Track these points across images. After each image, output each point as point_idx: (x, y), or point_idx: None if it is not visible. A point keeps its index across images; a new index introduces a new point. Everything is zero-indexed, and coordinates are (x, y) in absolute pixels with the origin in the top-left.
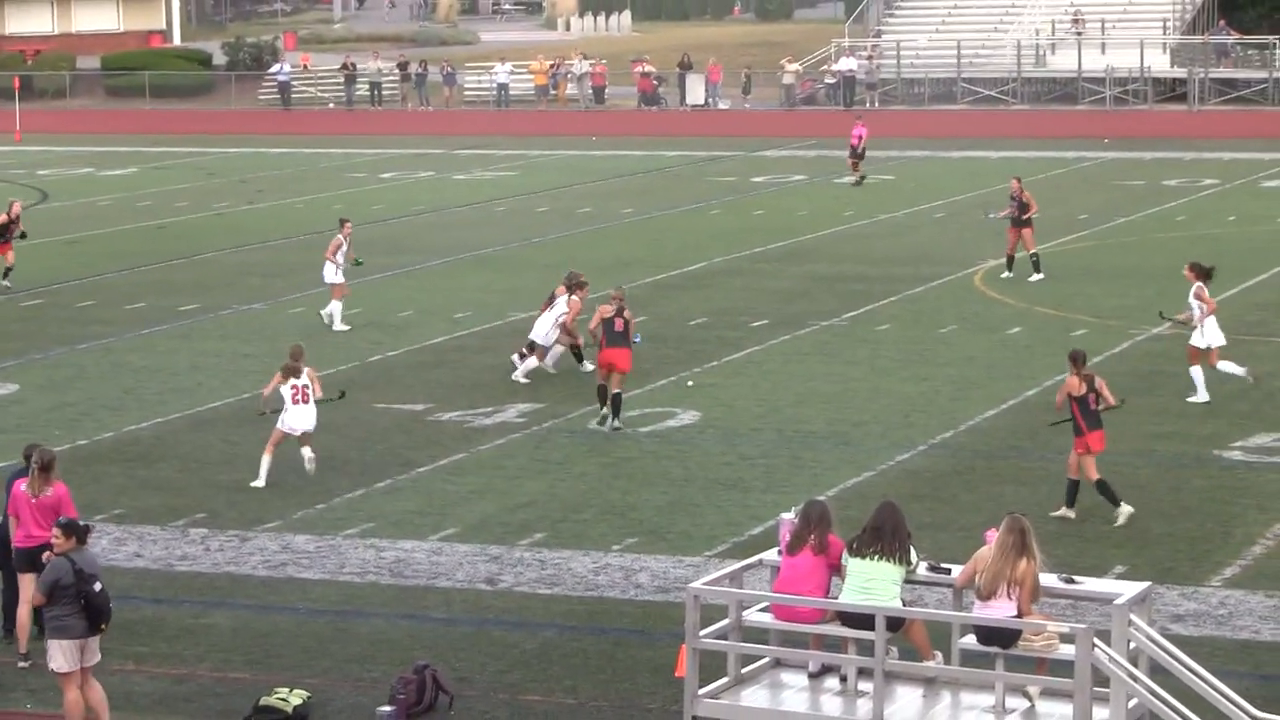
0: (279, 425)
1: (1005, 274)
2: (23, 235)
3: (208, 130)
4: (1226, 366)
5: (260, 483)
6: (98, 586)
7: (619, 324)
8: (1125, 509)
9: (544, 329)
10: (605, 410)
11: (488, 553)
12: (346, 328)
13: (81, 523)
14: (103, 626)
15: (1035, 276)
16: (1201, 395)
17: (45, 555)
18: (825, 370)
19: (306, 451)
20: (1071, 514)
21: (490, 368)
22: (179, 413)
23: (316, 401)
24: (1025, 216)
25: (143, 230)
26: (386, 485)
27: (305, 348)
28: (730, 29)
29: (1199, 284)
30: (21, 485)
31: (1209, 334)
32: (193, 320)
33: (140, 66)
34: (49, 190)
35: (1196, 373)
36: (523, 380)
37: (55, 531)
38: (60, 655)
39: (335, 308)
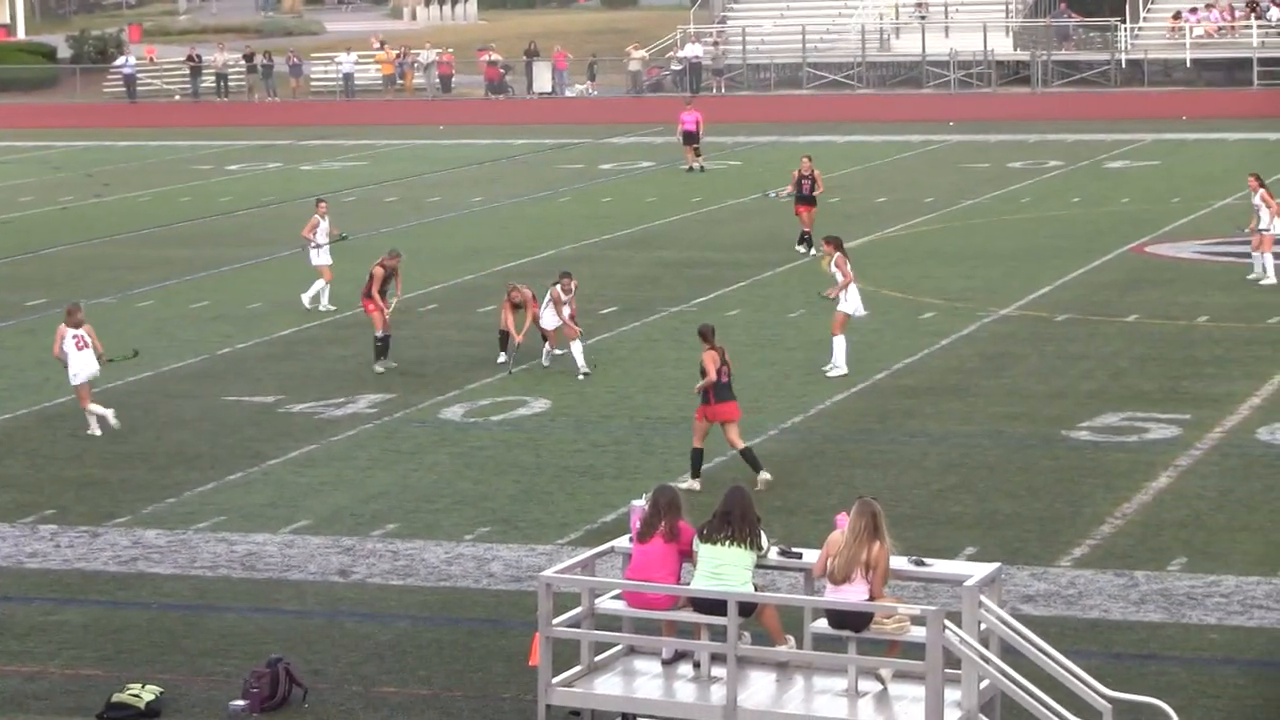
0: (72, 381)
1: (799, 249)
2: None
3: (52, 124)
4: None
5: (95, 430)
6: None
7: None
8: (765, 475)
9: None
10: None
11: (340, 544)
12: (332, 307)
13: None
14: None
15: (802, 249)
16: (840, 368)
17: None
18: (675, 356)
19: (96, 408)
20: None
21: (341, 358)
22: (26, 408)
23: (109, 360)
24: (813, 194)
25: None
26: (238, 478)
27: (81, 306)
28: (576, 16)
29: (838, 254)
30: None
31: (851, 303)
32: (39, 315)
33: None
34: None
35: (839, 343)
36: (585, 371)
37: None
38: None
39: (321, 288)
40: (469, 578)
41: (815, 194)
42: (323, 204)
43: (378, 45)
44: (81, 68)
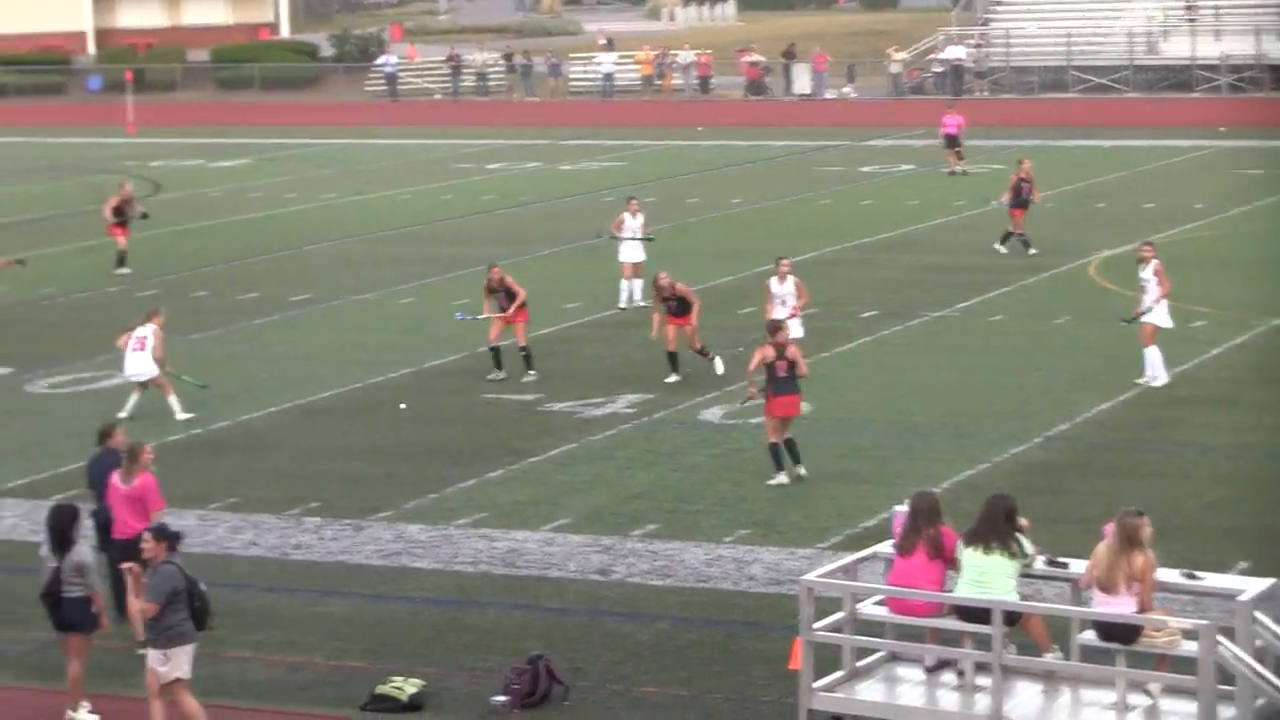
0: (125, 376)
1: (999, 247)
2: (144, 215)
3: (315, 122)
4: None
5: (125, 413)
6: (203, 587)
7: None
8: (791, 477)
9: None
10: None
11: (600, 543)
12: (642, 302)
13: (173, 529)
14: (212, 627)
15: (1008, 247)
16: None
17: (127, 566)
18: (937, 361)
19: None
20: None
21: (600, 358)
22: (291, 402)
23: (177, 376)
24: (1028, 198)
25: (254, 221)
26: (498, 475)
27: None
28: (836, 18)
29: (1155, 261)
30: (115, 476)
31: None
32: (301, 311)
33: (249, 59)
34: (161, 181)
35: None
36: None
37: (147, 537)
38: (185, 661)
39: (628, 286)
40: (728, 579)
41: (1031, 198)
42: (634, 201)
43: (604, 41)
44: (344, 66)
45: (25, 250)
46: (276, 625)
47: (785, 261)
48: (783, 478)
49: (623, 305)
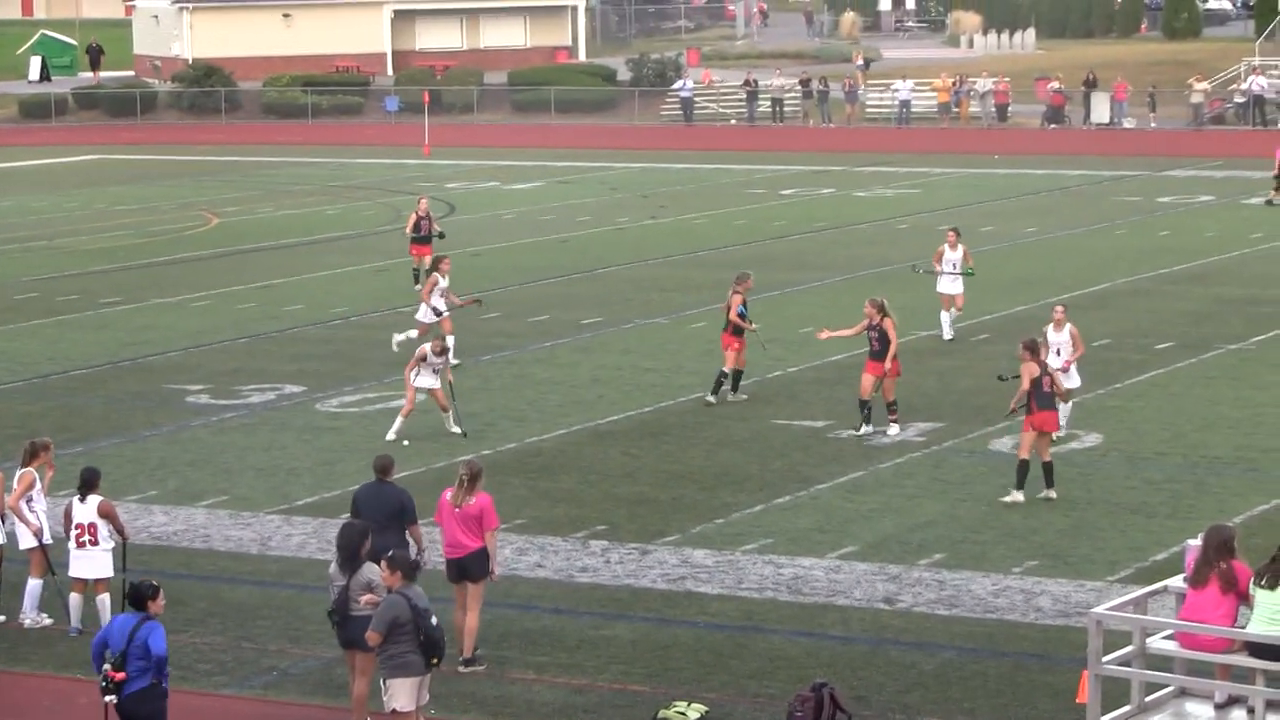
0: (413, 382)
1: None
2: (440, 235)
3: (611, 145)
4: None
5: (391, 436)
6: (434, 621)
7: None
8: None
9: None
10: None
11: (886, 571)
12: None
13: (412, 558)
14: (435, 662)
15: None
16: None
17: (367, 598)
18: (1233, 395)
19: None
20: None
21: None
22: (580, 424)
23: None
24: None
25: (546, 244)
26: (785, 501)
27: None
28: (1137, 47)
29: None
30: (447, 495)
31: None
32: (594, 333)
33: (546, 82)
34: (455, 203)
35: None
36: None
37: (383, 565)
38: (403, 694)
39: (947, 317)
40: (1016, 611)
41: None
42: (952, 233)
43: (860, 62)
44: (640, 90)
45: (318, 270)
46: (561, 647)
47: (1060, 309)
48: (1018, 496)
49: (948, 337)
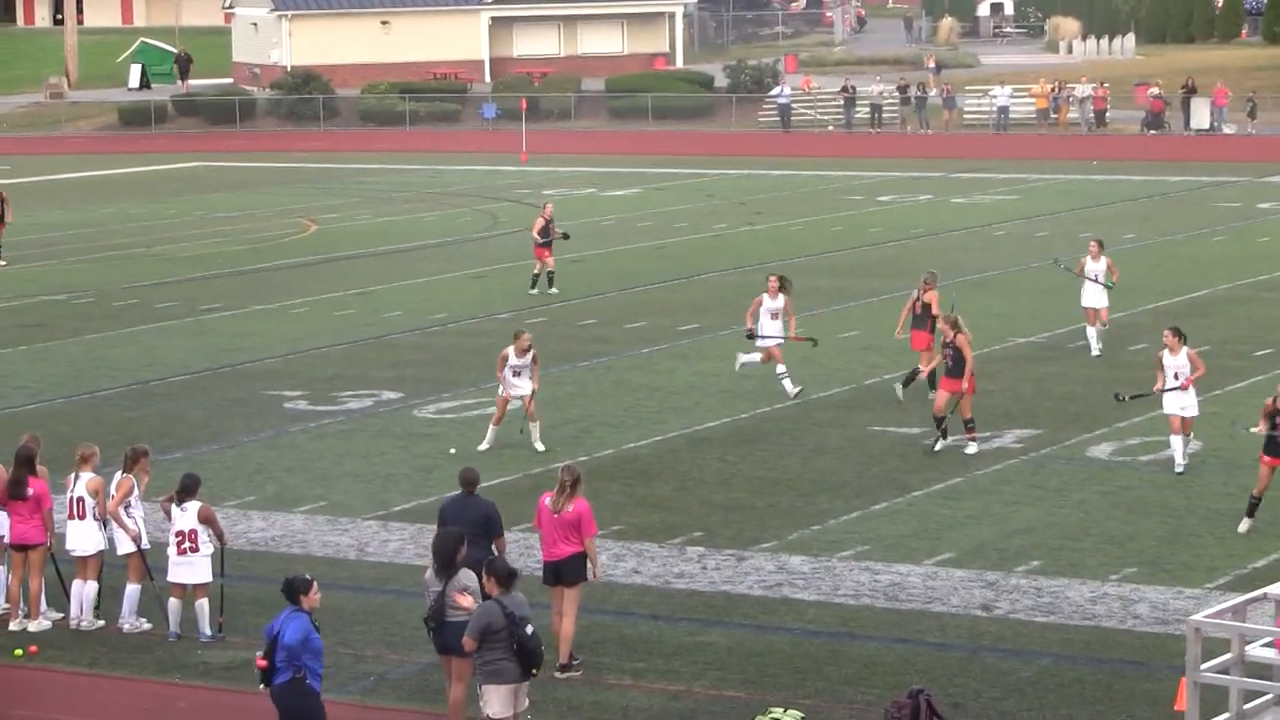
0: (500, 392)
1: None
2: (565, 235)
3: (708, 152)
4: None
5: (485, 446)
6: (530, 630)
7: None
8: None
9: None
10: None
11: (984, 578)
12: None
13: (509, 567)
14: (534, 671)
15: None
16: None
17: (462, 600)
18: None
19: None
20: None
21: (987, 393)
22: (677, 431)
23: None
24: None
25: (643, 250)
26: (882, 508)
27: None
28: (1238, 52)
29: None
30: (546, 499)
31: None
32: (691, 340)
33: (643, 89)
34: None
35: None
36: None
37: (484, 573)
38: (497, 700)
39: (1093, 331)
40: (1114, 618)
41: None
42: (1095, 244)
43: (932, 65)
44: (738, 97)
45: (416, 277)
46: (658, 653)
47: (1170, 333)
48: (1245, 524)
49: (1095, 353)
